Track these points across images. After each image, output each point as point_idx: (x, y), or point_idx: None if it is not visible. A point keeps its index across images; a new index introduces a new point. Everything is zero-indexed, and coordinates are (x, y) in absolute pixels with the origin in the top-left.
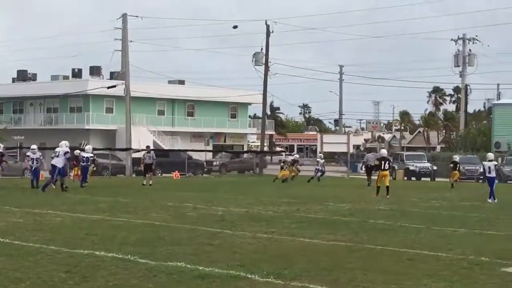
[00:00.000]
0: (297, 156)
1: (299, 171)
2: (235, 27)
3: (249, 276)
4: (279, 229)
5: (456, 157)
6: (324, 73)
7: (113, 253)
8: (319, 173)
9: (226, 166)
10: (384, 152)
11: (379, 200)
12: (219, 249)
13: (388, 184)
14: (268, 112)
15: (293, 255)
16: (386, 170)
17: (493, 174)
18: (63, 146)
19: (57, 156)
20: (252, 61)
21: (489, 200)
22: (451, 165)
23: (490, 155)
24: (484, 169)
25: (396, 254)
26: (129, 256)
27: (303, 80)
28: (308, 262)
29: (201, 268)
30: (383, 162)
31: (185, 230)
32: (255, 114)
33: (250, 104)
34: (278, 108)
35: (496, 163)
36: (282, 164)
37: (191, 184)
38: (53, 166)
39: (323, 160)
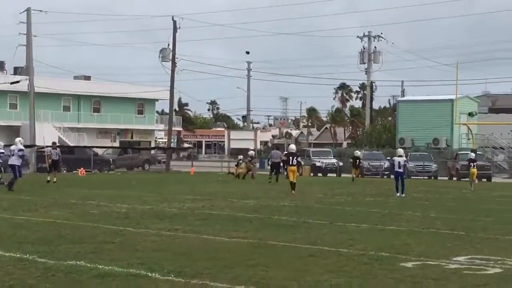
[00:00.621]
0: (253, 152)
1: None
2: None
3: (150, 275)
4: (183, 226)
5: (357, 153)
6: (232, 70)
7: (11, 253)
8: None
9: (114, 163)
10: (292, 147)
11: (290, 196)
12: (120, 247)
13: (295, 181)
14: (176, 108)
15: (196, 252)
16: (294, 165)
17: (401, 169)
18: (18, 143)
19: (13, 155)
20: (159, 57)
21: (397, 194)
22: (351, 160)
23: (400, 151)
24: (393, 164)
25: (298, 250)
26: (28, 255)
27: (211, 76)
28: (210, 260)
29: (101, 267)
30: (290, 157)
31: (87, 228)
32: (162, 110)
33: (157, 100)
34: (187, 104)
35: (405, 158)
36: (239, 161)
37: (96, 181)
38: (12, 166)
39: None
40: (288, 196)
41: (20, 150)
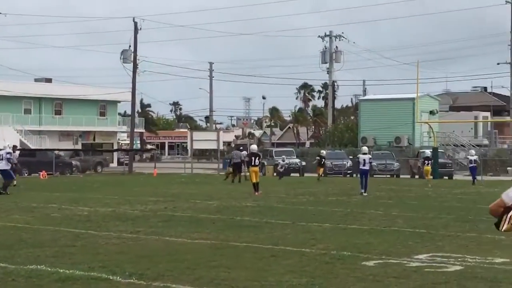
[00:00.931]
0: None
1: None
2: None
3: (111, 278)
4: (145, 228)
5: (323, 152)
6: (194, 71)
7: None
8: None
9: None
10: (254, 147)
11: (253, 197)
12: (82, 250)
13: (257, 181)
14: (139, 110)
15: (157, 254)
16: (256, 166)
17: (367, 167)
18: (6, 148)
19: (1, 159)
20: (121, 58)
21: (362, 191)
22: (317, 158)
23: (365, 149)
24: (359, 161)
25: (260, 250)
26: None
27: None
28: (172, 262)
29: (61, 270)
30: (253, 158)
31: (48, 231)
32: (125, 112)
33: (119, 102)
34: (149, 106)
35: (370, 156)
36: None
37: (58, 184)
38: (1, 171)
39: None
40: (251, 196)
41: (8, 153)
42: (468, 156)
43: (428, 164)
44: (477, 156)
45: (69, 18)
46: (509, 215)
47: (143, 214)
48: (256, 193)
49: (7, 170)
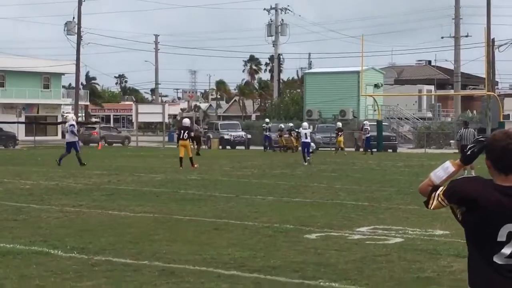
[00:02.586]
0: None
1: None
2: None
3: (52, 252)
4: (88, 202)
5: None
6: (140, 43)
7: None
8: None
9: None
10: (186, 121)
11: (190, 170)
12: (23, 224)
13: (190, 155)
14: (83, 82)
15: (100, 228)
16: (185, 140)
17: (308, 140)
18: (70, 120)
19: (66, 132)
20: (65, 30)
21: (305, 163)
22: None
23: (305, 124)
24: (300, 135)
25: (204, 224)
26: None
27: (119, 50)
28: (114, 235)
29: (2, 245)
30: (182, 131)
31: None
32: (70, 85)
33: (63, 74)
34: (94, 78)
35: (310, 130)
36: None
37: (1, 157)
38: (68, 143)
39: None
40: (186, 169)
41: (71, 125)
42: (301, 129)
43: (340, 135)
44: (309, 130)
45: None
46: (437, 193)
47: (87, 187)
48: (184, 167)
49: (73, 143)
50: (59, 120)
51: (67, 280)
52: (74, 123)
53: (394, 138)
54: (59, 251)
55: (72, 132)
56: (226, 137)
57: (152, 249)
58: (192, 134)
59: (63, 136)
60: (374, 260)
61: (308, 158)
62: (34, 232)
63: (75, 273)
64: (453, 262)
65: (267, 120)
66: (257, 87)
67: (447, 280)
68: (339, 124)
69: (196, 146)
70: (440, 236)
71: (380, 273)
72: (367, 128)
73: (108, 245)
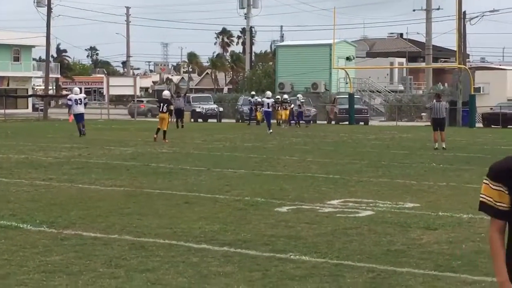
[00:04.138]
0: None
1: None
2: None
3: (21, 226)
4: (58, 176)
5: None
6: (111, 15)
7: None
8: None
9: None
10: (166, 93)
11: (162, 143)
12: None
13: (165, 128)
14: (54, 55)
15: (70, 202)
16: (165, 112)
17: (270, 109)
18: (79, 93)
19: (80, 104)
20: (34, 2)
21: (269, 131)
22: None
23: (268, 93)
24: (263, 104)
25: (174, 197)
26: None
27: (90, 22)
28: (84, 209)
29: None
30: (162, 104)
31: None
32: (40, 57)
33: (34, 46)
34: (65, 51)
35: (273, 100)
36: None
37: None
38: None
39: None
40: (157, 142)
41: (85, 98)
42: (263, 99)
43: (285, 108)
44: (272, 100)
45: None
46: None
47: (57, 161)
48: (157, 140)
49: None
50: (30, 93)
51: (36, 255)
52: (84, 95)
53: (366, 111)
54: (28, 225)
55: (85, 104)
56: (198, 110)
57: (122, 222)
58: (172, 107)
59: (34, 109)
60: (344, 233)
61: (270, 131)
62: (3, 206)
63: (44, 247)
64: (423, 234)
65: (253, 92)
66: (229, 60)
67: (416, 252)
68: (285, 96)
69: (175, 120)
70: (410, 209)
71: (351, 246)
72: (301, 102)
73: (78, 219)
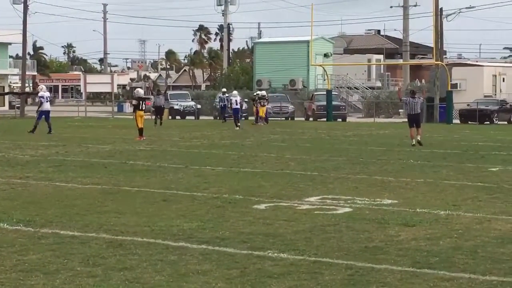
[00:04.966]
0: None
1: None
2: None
3: None
4: (35, 174)
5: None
6: (88, 12)
7: None
8: None
9: None
10: (140, 92)
11: (141, 141)
12: None
13: (142, 126)
14: (31, 52)
15: (47, 200)
16: (143, 110)
17: (238, 106)
18: (45, 91)
19: (48, 101)
20: None
21: (237, 128)
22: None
23: (235, 92)
24: (231, 102)
25: (152, 195)
26: None
27: (67, 19)
28: (62, 208)
29: None
30: (140, 102)
31: None
32: (17, 55)
33: (10, 44)
34: (42, 48)
35: (240, 98)
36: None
37: None
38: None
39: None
40: (135, 140)
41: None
42: (231, 97)
43: (263, 104)
44: (240, 98)
45: None
46: None
47: (34, 159)
48: (140, 138)
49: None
50: (6, 90)
51: (13, 254)
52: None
53: (343, 107)
54: (5, 224)
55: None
56: (176, 107)
57: (100, 221)
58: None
59: (11, 106)
60: (322, 230)
61: (239, 124)
62: None
63: (21, 246)
64: (401, 231)
65: (224, 89)
66: (207, 57)
67: (394, 249)
68: (263, 92)
69: (154, 117)
70: (388, 206)
71: (329, 243)
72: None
73: (55, 218)
